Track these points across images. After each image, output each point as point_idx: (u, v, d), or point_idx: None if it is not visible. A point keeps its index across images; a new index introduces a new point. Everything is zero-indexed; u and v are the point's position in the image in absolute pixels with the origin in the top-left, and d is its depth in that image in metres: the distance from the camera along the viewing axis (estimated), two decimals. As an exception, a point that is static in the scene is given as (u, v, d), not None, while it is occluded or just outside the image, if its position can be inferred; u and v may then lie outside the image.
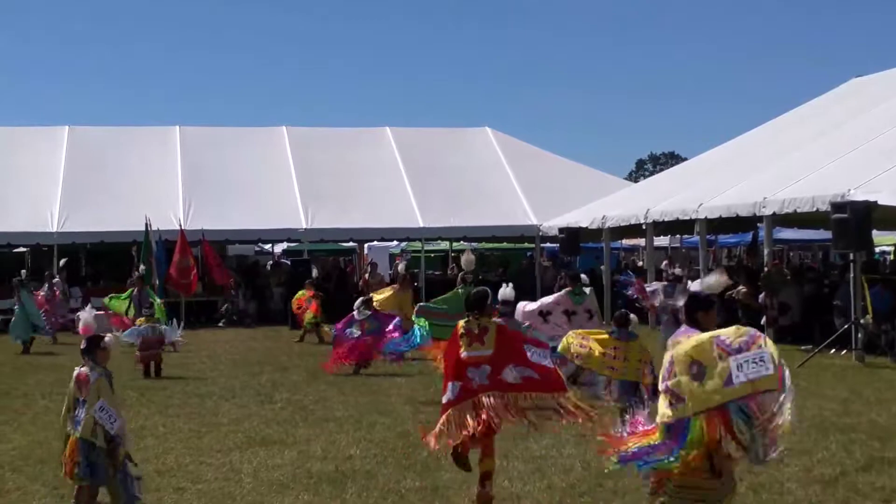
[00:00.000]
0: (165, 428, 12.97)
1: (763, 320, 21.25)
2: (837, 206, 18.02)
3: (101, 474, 8.50)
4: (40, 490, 9.64)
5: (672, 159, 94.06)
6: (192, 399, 15.28)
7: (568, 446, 11.06)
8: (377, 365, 18.23)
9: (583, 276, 18.31)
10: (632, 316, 12.48)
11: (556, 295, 17.32)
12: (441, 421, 8.66)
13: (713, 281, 7.40)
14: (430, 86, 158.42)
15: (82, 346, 8.86)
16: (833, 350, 18.85)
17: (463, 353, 8.72)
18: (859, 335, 18.53)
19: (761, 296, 21.35)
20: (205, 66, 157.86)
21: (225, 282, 30.26)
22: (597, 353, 12.16)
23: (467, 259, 19.04)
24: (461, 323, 8.94)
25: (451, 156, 36.74)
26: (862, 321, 18.52)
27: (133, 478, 8.73)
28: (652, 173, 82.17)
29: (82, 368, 8.78)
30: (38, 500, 9.30)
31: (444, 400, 8.76)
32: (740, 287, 23.18)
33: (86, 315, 9.10)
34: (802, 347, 19.63)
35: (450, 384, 8.72)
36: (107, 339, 9.01)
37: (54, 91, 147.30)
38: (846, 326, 18.92)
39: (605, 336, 12.45)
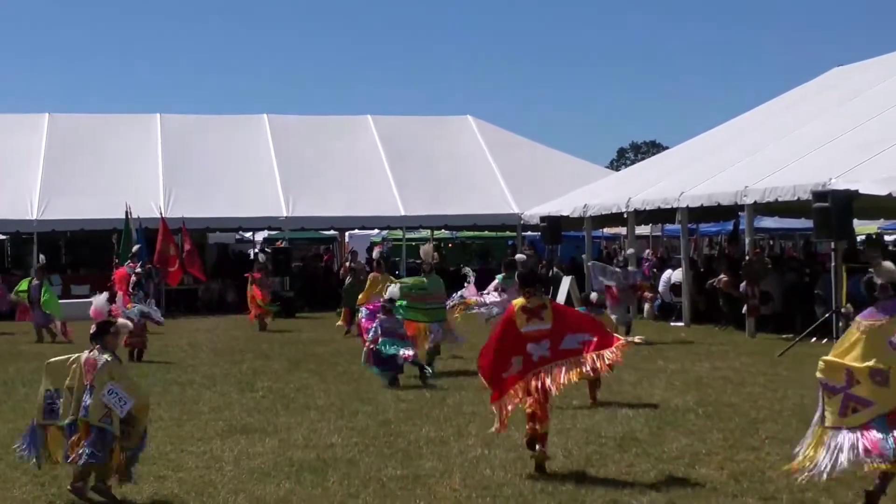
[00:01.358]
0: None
1: (744, 309, 21.30)
2: (819, 195, 18.07)
3: (103, 457, 8.63)
4: (21, 478, 9.57)
5: (653, 148, 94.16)
6: (172, 387, 15.21)
7: (550, 435, 11.05)
8: (358, 354, 18.34)
9: (519, 255, 20.25)
10: (592, 295, 15.04)
11: (492, 285, 18.71)
12: (510, 392, 9.60)
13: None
14: (412, 74, 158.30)
15: (91, 331, 8.93)
16: (814, 339, 18.86)
17: (522, 329, 9.52)
18: (840, 324, 18.54)
19: (742, 285, 21.39)
20: (186, 53, 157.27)
21: (197, 272, 29.94)
22: None
23: (425, 250, 19.64)
24: (516, 302, 9.77)
25: (433, 144, 36.74)
26: (843, 310, 18.55)
27: (136, 460, 8.92)
28: (633, 162, 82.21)
29: (89, 354, 8.81)
30: (20, 488, 9.23)
31: (509, 373, 9.57)
32: (721, 276, 23.25)
33: (98, 300, 9.20)
34: (783, 336, 19.70)
35: (513, 359, 9.53)
36: (117, 324, 9.04)
37: (34, 78, 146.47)
38: (827, 315, 18.96)
39: None
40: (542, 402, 9.60)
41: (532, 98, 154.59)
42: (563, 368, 9.41)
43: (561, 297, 23.94)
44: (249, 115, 38.84)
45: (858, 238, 30.19)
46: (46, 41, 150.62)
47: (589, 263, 21.62)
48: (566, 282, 26.91)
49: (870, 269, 8.15)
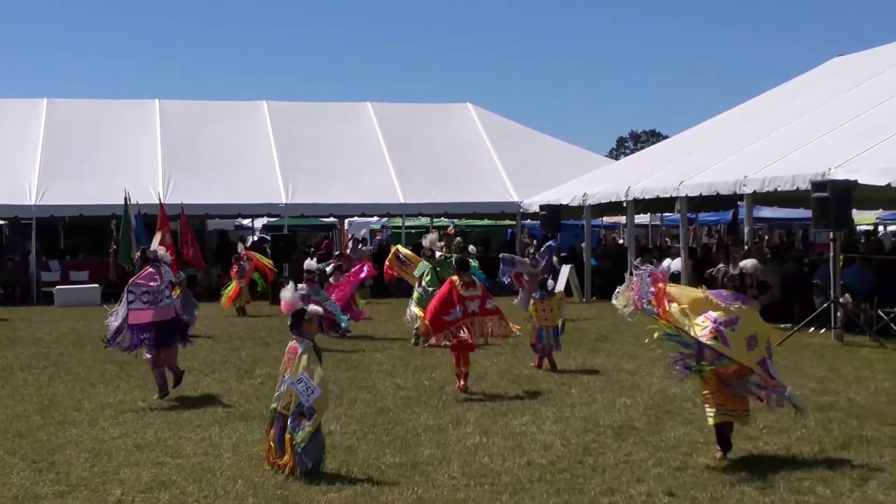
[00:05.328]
0: (145, 402, 12.94)
1: (742, 298, 21.27)
2: (818, 185, 18.03)
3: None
4: (18, 464, 9.59)
5: (653, 137, 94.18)
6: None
7: (548, 423, 11.08)
8: (356, 341, 18.40)
9: (471, 247, 23.67)
10: (549, 282, 17.07)
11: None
12: (449, 327, 13.27)
13: (749, 264, 9.95)
14: (412, 61, 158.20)
15: (289, 323, 9.18)
16: (812, 329, 18.90)
17: (463, 293, 13.41)
18: (838, 314, 18.57)
19: (741, 274, 21.36)
20: (185, 38, 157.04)
21: (196, 262, 29.68)
22: (534, 315, 15.85)
23: (431, 238, 20.00)
24: (455, 278, 13.69)
25: (433, 132, 36.72)
26: (841, 300, 18.57)
27: (321, 445, 9.02)
28: (633, 151, 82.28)
29: (292, 342, 9.09)
30: (17, 474, 9.24)
31: (449, 318, 13.32)
32: (720, 265, 23.24)
33: (287, 294, 9.26)
34: (782, 326, 19.64)
35: (452, 309, 13.34)
36: (310, 310, 9.14)
37: (33, 63, 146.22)
38: (825, 305, 18.95)
39: (534, 303, 16.13)
40: (467, 349, 13.44)
41: (532, 86, 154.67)
42: (489, 324, 13.59)
43: (560, 285, 23.97)
44: (249, 101, 38.86)
45: (859, 228, 30.24)
46: (45, 26, 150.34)
47: (501, 255, 24.48)
48: (565, 270, 26.92)
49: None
